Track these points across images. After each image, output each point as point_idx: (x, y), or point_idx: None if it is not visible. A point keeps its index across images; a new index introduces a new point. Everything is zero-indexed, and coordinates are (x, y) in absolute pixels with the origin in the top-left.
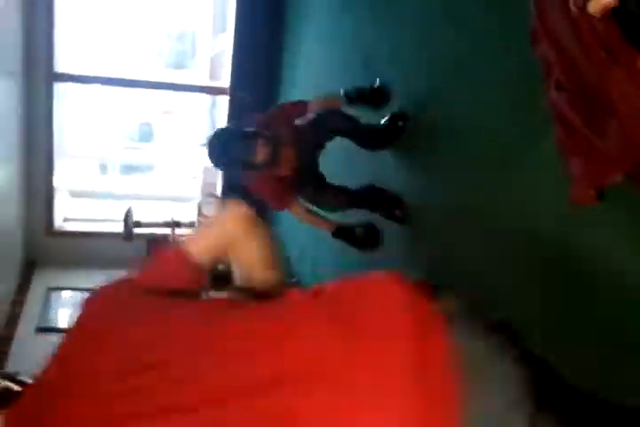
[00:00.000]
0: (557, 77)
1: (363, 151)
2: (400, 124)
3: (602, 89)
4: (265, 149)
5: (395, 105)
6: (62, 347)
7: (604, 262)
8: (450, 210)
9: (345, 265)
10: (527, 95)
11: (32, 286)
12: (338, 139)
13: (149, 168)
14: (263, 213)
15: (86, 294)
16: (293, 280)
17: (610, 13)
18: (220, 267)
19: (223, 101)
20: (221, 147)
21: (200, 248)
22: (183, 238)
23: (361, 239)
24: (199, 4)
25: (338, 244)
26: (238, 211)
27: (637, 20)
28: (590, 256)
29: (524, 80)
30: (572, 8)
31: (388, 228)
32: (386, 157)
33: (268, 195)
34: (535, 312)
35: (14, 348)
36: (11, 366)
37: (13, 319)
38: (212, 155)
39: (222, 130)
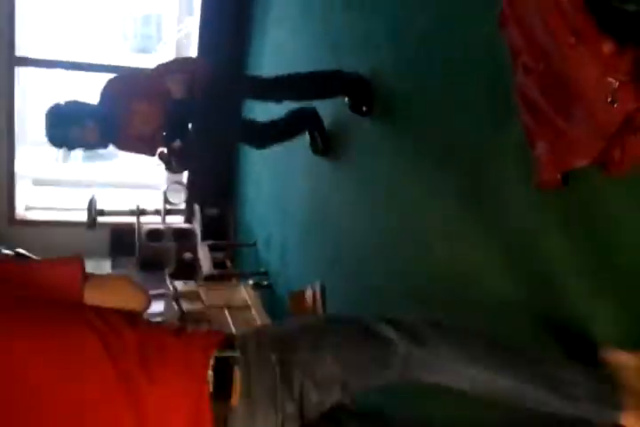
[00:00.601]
0: (524, 61)
1: None
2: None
3: (569, 73)
4: (93, 132)
5: None
6: None
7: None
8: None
9: (312, 251)
10: (494, 81)
11: None
12: None
13: (113, 155)
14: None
15: None
16: (262, 271)
17: None
18: None
19: None
20: (51, 129)
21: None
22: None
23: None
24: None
25: (306, 229)
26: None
27: (605, 4)
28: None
29: (492, 65)
30: None
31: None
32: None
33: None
34: None
35: None
36: None
37: None
38: (46, 135)
39: (51, 110)
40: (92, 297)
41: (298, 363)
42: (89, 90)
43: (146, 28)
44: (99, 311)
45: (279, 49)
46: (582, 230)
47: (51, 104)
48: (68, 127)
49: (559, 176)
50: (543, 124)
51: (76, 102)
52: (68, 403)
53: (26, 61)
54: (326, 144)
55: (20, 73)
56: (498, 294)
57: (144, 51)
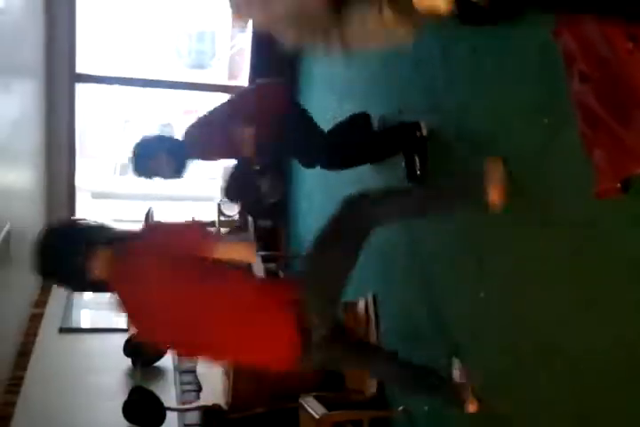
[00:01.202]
0: (580, 69)
1: None
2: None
3: (627, 79)
4: (168, 165)
5: None
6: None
7: None
8: None
9: (363, 262)
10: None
11: (54, 287)
12: None
13: None
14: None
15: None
16: None
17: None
18: None
19: None
20: (135, 159)
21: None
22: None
23: None
24: (219, 4)
25: None
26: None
27: None
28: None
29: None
30: None
31: None
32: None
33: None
34: None
35: (37, 347)
36: (34, 367)
37: (36, 320)
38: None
39: (137, 143)
40: (223, 252)
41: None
42: (145, 105)
43: (200, 44)
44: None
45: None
46: None
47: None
48: (148, 159)
49: (618, 184)
50: (600, 132)
51: (159, 137)
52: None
53: (86, 78)
54: (424, 168)
55: (81, 89)
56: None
57: (199, 66)
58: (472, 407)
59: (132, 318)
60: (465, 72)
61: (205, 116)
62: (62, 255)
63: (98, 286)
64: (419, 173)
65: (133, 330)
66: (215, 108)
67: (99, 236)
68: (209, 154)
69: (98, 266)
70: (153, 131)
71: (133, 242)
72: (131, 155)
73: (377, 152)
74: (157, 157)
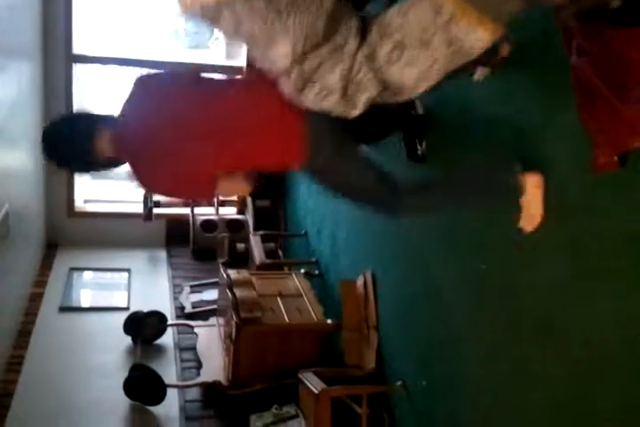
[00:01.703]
0: (579, 42)
1: None
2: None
3: (624, 53)
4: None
5: None
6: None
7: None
8: None
9: (364, 241)
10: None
11: (54, 267)
12: None
13: None
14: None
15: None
16: (312, 260)
17: None
18: None
19: None
20: None
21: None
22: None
23: None
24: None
25: (356, 219)
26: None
27: None
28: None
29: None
30: None
31: None
32: None
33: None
34: None
35: (38, 327)
36: (35, 346)
37: (36, 299)
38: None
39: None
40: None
41: None
42: None
43: (198, 25)
44: None
45: None
46: None
47: None
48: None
49: (616, 158)
50: (598, 106)
51: None
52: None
53: (83, 58)
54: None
55: (78, 69)
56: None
57: (196, 47)
58: None
59: (144, 176)
60: None
61: None
62: (74, 141)
63: (106, 165)
64: (420, 153)
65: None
66: None
67: (100, 120)
68: None
69: (105, 146)
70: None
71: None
72: None
73: (373, 133)
74: None
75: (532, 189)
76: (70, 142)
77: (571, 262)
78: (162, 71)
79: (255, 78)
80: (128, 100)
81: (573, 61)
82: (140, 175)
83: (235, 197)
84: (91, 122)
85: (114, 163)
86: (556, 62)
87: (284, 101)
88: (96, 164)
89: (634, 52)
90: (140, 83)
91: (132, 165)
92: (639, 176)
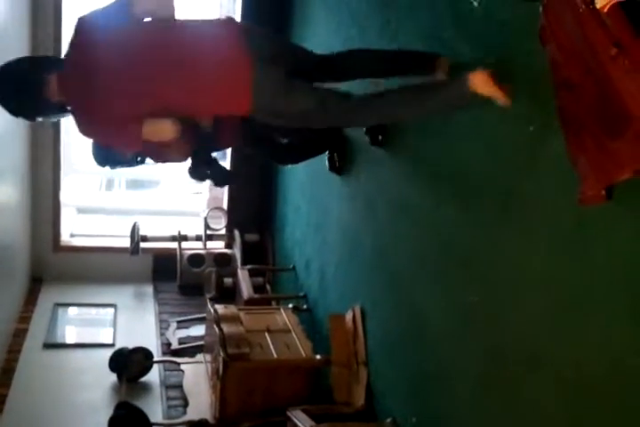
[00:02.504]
0: (566, 76)
1: None
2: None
3: (611, 85)
4: None
5: None
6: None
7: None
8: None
9: (352, 275)
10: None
11: (39, 302)
12: None
13: (155, 183)
14: (264, 219)
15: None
16: (301, 294)
17: (618, 8)
18: None
19: None
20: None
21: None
22: None
23: None
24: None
25: (345, 252)
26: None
27: None
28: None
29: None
30: (580, 5)
31: None
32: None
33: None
34: None
35: (21, 364)
36: (18, 383)
37: (20, 335)
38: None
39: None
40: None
41: None
42: None
43: None
44: None
45: None
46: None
47: None
48: None
49: (603, 191)
50: (585, 139)
51: None
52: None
53: None
54: (342, 164)
55: None
56: None
57: None
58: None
59: (92, 124)
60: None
61: None
62: (25, 85)
63: (58, 109)
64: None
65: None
66: None
67: (47, 63)
68: None
69: (53, 88)
70: None
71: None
72: None
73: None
74: None
75: (486, 88)
76: (21, 86)
77: (558, 294)
78: (109, 8)
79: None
80: (71, 42)
81: (560, 95)
82: (80, 117)
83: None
84: (38, 65)
85: (64, 107)
86: (541, 94)
87: (234, 45)
88: (48, 107)
89: (617, 82)
90: (82, 22)
91: (75, 107)
92: (625, 208)
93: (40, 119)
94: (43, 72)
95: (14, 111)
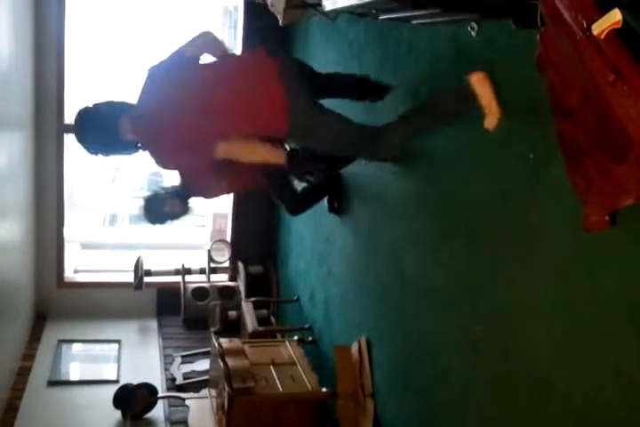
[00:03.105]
0: (565, 103)
1: None
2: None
3: (610, 111)
4: None
5: None
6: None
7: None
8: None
9: (358, 306)
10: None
11: (43, 339)
12: None
13: None
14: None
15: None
16: (306, 326)
17: (615, 34)
18: None
19: None
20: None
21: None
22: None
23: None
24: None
25: (350, 283)
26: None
27: None
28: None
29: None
30: (578, 33)
31: None
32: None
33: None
34: None
35: (25, 402)
36: (22, 422)
37: (24, 373)
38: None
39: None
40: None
41: None
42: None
43: None
44: None
45: None
46: None
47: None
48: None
49: (607, 217)
50: (587, 165)
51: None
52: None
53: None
54: (340, 205)
55: (69, 139)
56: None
57: None
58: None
59: (157, 153)
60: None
61: None
62: (105, 127)
63: (129, 146)
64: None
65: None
66: None
67: (121, 109)
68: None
69: (125, 129)
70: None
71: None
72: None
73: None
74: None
75: (481, 88)
76: (100, 129)
77: (566, 322)
78: (170, 59)
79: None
80: (141, 89)
81: (559, 121)
82: (155, 152)
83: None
84: (114, 111)
85: (135, 144)
86: (541, 119)
87: (268, 74)
88: (121, 146)
89: (616, 108)
90: (150, 72)
91: (147, 144)
92: (629, 234)
93: (112, 155)
94: (118, 117)
95: (93, 150)
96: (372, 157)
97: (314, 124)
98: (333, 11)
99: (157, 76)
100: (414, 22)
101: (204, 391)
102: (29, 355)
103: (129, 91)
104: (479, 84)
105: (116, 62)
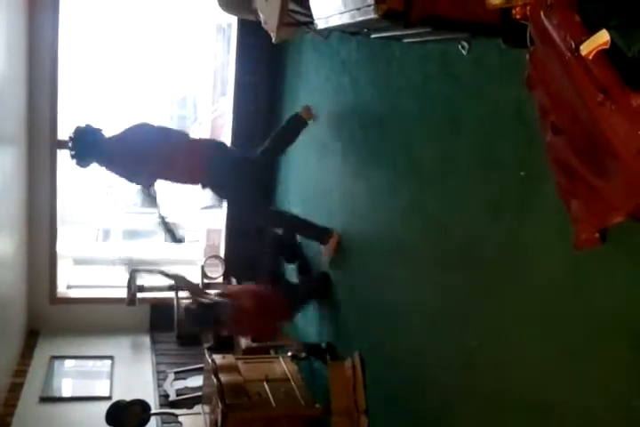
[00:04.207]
0: (553, 121)
1: None
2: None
3: (599, 130)
4: None
5: None
6: None
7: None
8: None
9: (351, 321)
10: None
11: (35, 355)
12: None
13: (152, 233)
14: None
15: None
16: (300, 342)
17: (603, 55)
18: None
19: None
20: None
21: None
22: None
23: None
24: (201, 70)
25: (342, 300)
26: None
27: (629, 59)
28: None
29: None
30: (566, 53)
31: None
32: None
33: None
34: None
35: (17, 418)
36: None
37: (16, 390)
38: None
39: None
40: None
41: None
42: None
43: (182, 109)
44: None
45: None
46: None
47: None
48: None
49: (597, 234)
50: (576, 183)
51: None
52: None
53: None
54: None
55: (62, 155)
56: None
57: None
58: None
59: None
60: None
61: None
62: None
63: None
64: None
65: None
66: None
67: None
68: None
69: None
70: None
71: None
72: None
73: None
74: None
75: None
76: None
77: (559, 338)
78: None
79: None
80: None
81: (549, 140)
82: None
83: None
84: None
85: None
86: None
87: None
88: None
89: (605, 127)
90: (140, 125)
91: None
92: (619, 251)
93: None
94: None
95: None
96: None
97: None
98: (326, 29)
99: (142, 130)
100: (406, 41)
101: (198, 408)
102: (21, 371)
103: (119, 110)
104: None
105: (109, 79)
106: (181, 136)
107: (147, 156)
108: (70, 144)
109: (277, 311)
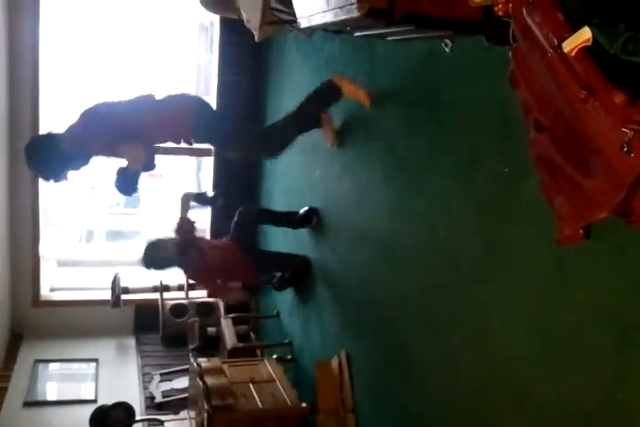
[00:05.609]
0: (537, 118)
1: None
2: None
3: (582, 127)
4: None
5: None
6: None
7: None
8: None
9: (337, 320)
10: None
11: (19, 359)
12: None
13: (136, 234)
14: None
15: None
16: (286, 341)
17: (585, 52)
18: None
19: (208, 163)
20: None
21: None
22: None
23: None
24: (184, 69)
25: (329, 298)
26: None
27: (612, 57)
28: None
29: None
30: (549, 50)
31: None
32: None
33: None
34: None
35: (0, 424)
36: None
37: None
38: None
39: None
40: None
41: None
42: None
43: None
44: None
45: None
46: None
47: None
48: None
49: (581, 230)
50: (560, 180)
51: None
52: None
53: None
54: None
55: None
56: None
57: None
58: None
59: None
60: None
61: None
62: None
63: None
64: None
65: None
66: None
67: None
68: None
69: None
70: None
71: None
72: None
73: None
74: None
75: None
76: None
77: (542, 333)
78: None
79: None
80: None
81: (532, 137)
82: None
83: None
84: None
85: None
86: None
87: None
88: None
89: (589, 124)
90: (93, 108)
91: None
92: (603, 247)
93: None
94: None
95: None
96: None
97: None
98: (309, 28)
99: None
100: (389, 39)
101: (184, 413)
102: (5, 375)
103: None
104: (339, 81)
105: (91, 79)
106: (149, 102)
107: (124, 133)
108: (31, 165)
109: (239, 272)
